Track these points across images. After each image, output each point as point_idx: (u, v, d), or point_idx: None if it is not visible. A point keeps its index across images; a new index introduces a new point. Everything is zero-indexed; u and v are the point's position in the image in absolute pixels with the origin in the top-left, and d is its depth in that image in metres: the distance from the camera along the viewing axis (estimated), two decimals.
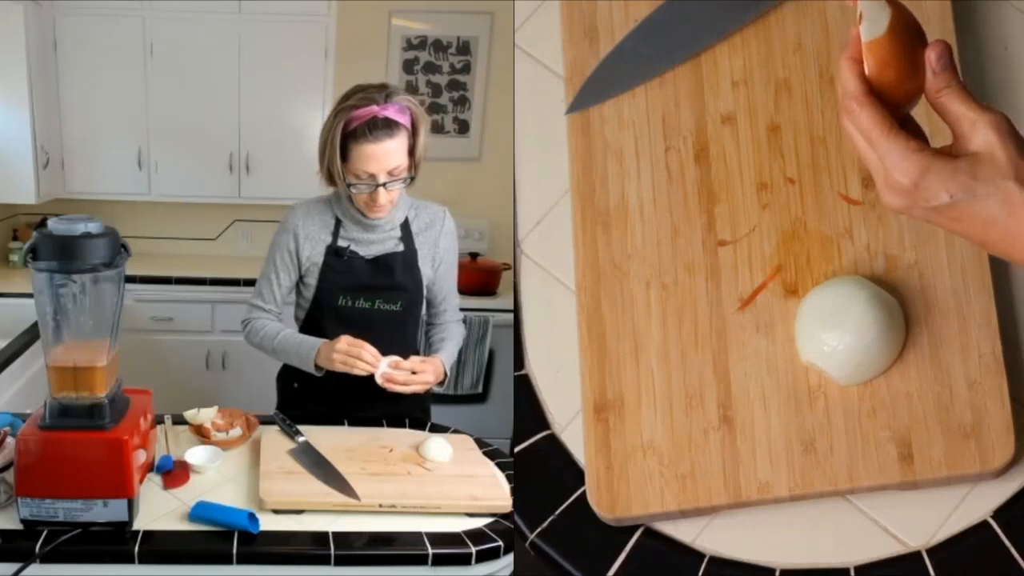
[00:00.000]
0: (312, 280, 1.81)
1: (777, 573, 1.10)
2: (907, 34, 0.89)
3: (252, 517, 1.33)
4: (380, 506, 1.42)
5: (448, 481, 1.52)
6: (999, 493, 1.08)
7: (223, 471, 1.54)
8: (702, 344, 1.15)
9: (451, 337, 1.90)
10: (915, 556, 1.08)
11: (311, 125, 3.50)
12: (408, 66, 3.82)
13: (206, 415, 1.69)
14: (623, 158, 1.23)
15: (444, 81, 3.85)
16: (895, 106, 0.89)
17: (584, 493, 1.15)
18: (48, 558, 1.26)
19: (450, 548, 1.34)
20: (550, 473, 1.19)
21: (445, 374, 1.80)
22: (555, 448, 1.20)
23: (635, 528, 1.14)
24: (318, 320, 1.83)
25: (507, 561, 1.36)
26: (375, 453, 1.61)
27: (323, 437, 1.64)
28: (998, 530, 1.07)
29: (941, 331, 1.11)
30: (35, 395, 2.21)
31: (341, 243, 1.79)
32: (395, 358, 1.70)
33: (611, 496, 1.13)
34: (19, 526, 1.31)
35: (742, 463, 1.11)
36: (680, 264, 1.18)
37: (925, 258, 1.13)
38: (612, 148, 1.23)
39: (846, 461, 1.09)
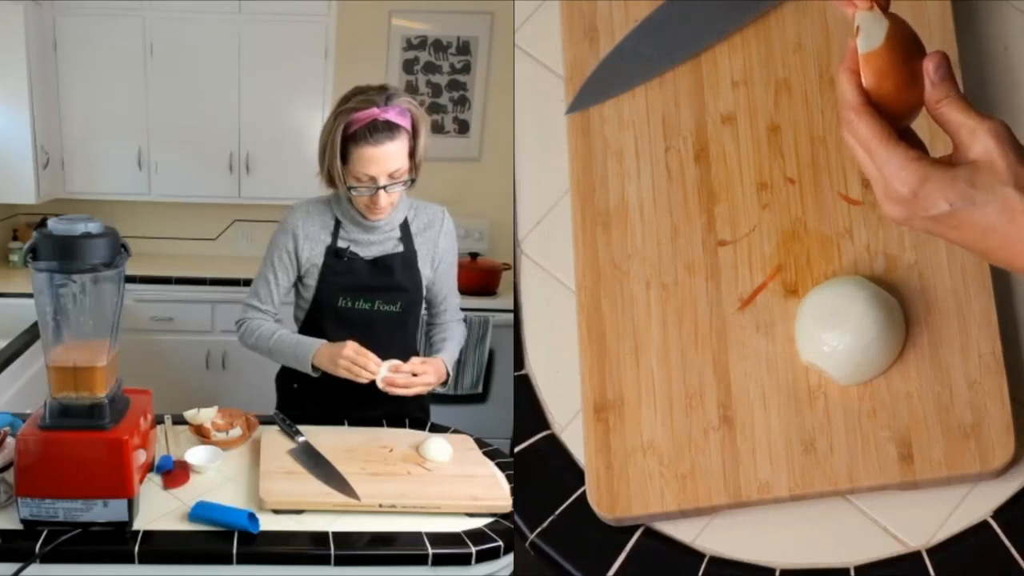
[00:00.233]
0: (312, 281, 1.81)
1: (777, 573, 1.10)
2: (905, 46, 0.89)
3: (252, 517, 1.33)
4: (380, 506, 1.42)
5: (448, 481, 1.52)
6: (999, 493, 1.08)
7: (223, 471, 1.54)
8: (702, 344, 1.15)
9: (452, 337, 1.90)
10: (915, 556, 1.08)
11: (311, 125, 3.50)
12: (408, 66, 3.82)
13: (206, 415, 1.69)
14: (623, 158, 1.23)
15: (444, 81, 3.85)
16: (894, 118, 0.89)
17: (584, 493, 1.15)
18: (48, 558, 1.26)
19: (450, 548, 1.34)
20: (550, 473, 1.19)
21: (448, 374, 1.80)
22: (555, 448, 1.20)
23: (635, 528, 1.14)
24: (318, 321, 1.82)
25: (507, 561, 1.36)
26: (375, 453, 1.61)
27: (323, 437, 1.64)
28: (998, 530, 1.07)
29: (941, 331, 1.11)
30: (35, 395, 2.21)
31: (341, 244, 1.79)
32: (395, 362, 1.70)
33: (611, 496, 1.13)
34: (19, 526, 1.31)
35: (742, 463, 1.11)
36: (680, 264, 1.18)
37: (925, 258, 1.13)
38: (612, 148, 1.23)
39: (846, 461, 1.09)
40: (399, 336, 1.85)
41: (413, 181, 1.74)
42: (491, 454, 1.65)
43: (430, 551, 1.33)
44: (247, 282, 1.85)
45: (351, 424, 1.76)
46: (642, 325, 1.17)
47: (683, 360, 1.15)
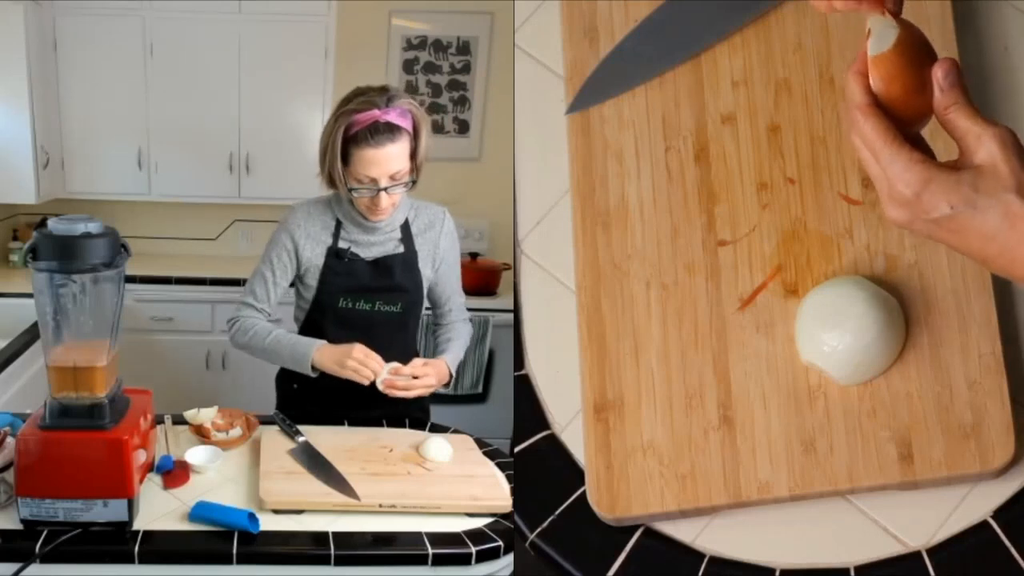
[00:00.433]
0: (312, 281, 1.80)
1: (777, 573, 1.10)
2: (914, 51, 0.89)
3: (252, 517, 1.33)
4: (380, 506, 1.42)
5: (448, 481, 1.52)
6: (999, 493, 1.08)
7: (223, 471, 1.54)
8: (702, 344, 1.15)
9: (457, 337, 1.90)
10: (915, 556, 1.08)
11: (311, 125, 3.50)
12: (408, 66, 3.82)
13: (206, 415, 1.69)
14: (623, 158, 1.23)
15: (444, 81, 3.85)
16: (902, 123, 0.89)
17: (584, 493, 1.15)
18: (48, 558, 1.26)
19: (450, 548, 1.34)
20: (550, 473, 1.19)
21: (450, 375, 1.80)
22: (555, 448, 1.20)
23: (635, 528, 1.14)
24: (318, 321, 1.82)
25: (507, 561, 1.36)
26: (375, 453, 1.61)
27: (323, 437, 1.64)
28: (998, 530, 1.07)
29: (941, 331, 1.11)
30: (35, 395, 2.21)
31: (342, 245, 1.79)
32: (395, 364, 1.69)
33: (611, 496, 1.13)
34: (19, 526, 1.31)
35: (742, 463, 1.11)
36: (680, 264, 1.18)
37: (925, 258, 1.13)
38: (612, 148, 1.23)
39: (846, 461, 1.09)
40: (399, 337, 1.85)
41: (414, 182, 1.74)
42: (491, 454, 1.65)
43: (430, 551, 1.33)
44: (247, 282, 1.85)
45: (351, 424, 1.76)
46: (642, 325, 1.17)
47: (683, 360, 1.15)
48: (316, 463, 1.54)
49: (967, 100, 0.88)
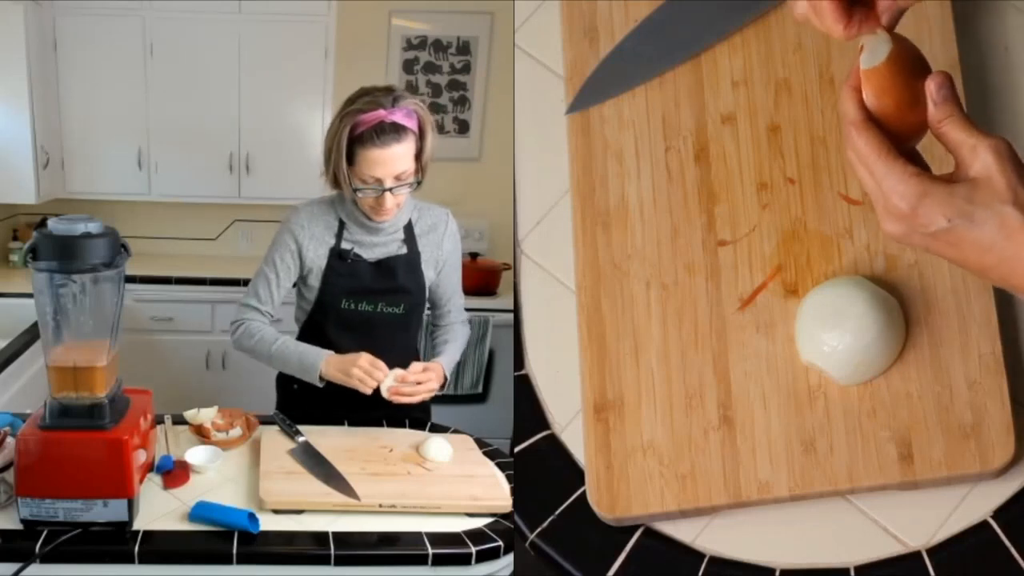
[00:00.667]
0: (315, 282, 1.80)
1: (777, 573, 1.10)
2: (907, 66, 0.90)
3: (252, 517, 1.33)
4: (380, 506, 1.42)
5: (448, 481, 1.52)
6: (999, 493, 1.08)
7: (223, 471, 1.54)
8: (702, 344, 1.15)
9: (454, 339, 1.90)
10: (915, 556, 1.08)
11: (311, 125, 3.50)
12: (408, 66, 3.82)
13: (206, 415, 1.69)
14: (623, 158, 1.23)
15: (444, 81, 3.85)
16: (896, 137, 0.89)
17: (584, 493, 1.15)
18: (48, 558, 1.26)
19: (450, 548, 1.34)
20: (550, 473, 1.19)
21: (445, 378, 1.79)
22: (555, 448, 1.20)
23: (635, 528, 1.14)
24: (320, 323, 1.82)
25: (507, 561, 1.36)
26: (375, 453, 1.61)
27: (323, 437, 1.64)
28: (998, 530, 1.07)
29: (941, 331, 1.11)
30: (35, 395, 2.21)
31: (345, 246, 1.78)
32: (399, 372, 1.69)
33: (611, 496, 1.13)
34: (19, 526, 1.31)
35: (742, 463, 1.11)
36: (680, 264, 1.18)
37: (925, 258, 1.13)
38: (612, 148, 1.23)
39: (846, 461, 1.09)
40: (401, 338, 1.85)
41: (419, 183, 1.74)
42: (491, 454, 1.65)
43: (430, 551, 1.33)
44: (247, 282, 1.85)
45: (351, 425, 1.76)
46: (642, 325, 1.17)
47: (683, 360, 1.15)
48: (316, 463, 1.54)
49: (961, 112, 0.88)
